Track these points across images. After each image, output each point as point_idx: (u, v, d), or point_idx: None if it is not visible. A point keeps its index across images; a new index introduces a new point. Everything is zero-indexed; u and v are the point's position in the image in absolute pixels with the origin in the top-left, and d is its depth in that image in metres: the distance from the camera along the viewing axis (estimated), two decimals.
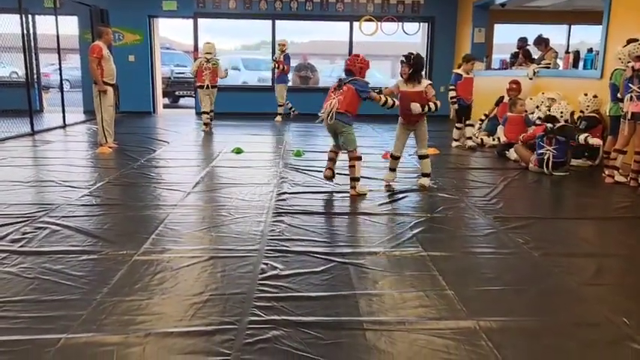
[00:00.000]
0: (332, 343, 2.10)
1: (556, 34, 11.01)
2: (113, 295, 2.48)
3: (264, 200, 4.31)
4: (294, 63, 11.11)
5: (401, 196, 4.57)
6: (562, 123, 5.68)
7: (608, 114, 5.60)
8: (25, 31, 8.17)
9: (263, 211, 3.97)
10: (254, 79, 14.07)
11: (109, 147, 6.72)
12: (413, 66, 4.56)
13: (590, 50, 6.98)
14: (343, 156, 4.74)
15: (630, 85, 4.91)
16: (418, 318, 2.33)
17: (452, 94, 7.35)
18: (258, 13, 11.24)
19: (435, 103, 4.61)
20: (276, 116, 10.47)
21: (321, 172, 4.97)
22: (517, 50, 9.30)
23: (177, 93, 14.46)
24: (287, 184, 4.90)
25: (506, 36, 11.41)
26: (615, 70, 5.35)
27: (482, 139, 7.57)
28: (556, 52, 8.28)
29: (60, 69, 9.35)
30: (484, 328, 2.23)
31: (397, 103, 4.71)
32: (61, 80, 9.47)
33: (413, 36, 11.55)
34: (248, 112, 11.18)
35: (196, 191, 4.63)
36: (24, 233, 3.35)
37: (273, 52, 11.63)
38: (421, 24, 11.64)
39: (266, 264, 2.91)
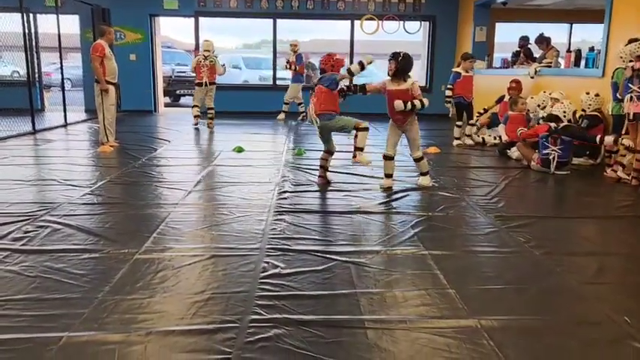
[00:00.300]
0: (333, 341, 2.10)
1: (557, 32, 10.99)
2: (115, 294, 2.48)
3: (266, 199, 4.31)
4: None
5: (402, 194, 4.57)
6: (566, 123, 5.68)
7: (610, 113, 5.59)
8: (26, 30, 8.17)
9: (264, 210, 3.97)
10: (255, 77, 14.07)
11: (111, 146, 6.73)
12: (399, 64, 4.56)
13: (591, 49, 6.97)
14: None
15: (630, 85, 4.90)
16: (419, 317, 2.33)
17: (448, 93, 7.35)
18: (260, 12, 11.23)
19: (421, 101, 4.55)
20: (280, 114, 10.41)
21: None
22: (518, 49, 9.29)
23: (178, 92, 14.47)
24: (288, 183, 4.90)
25: (507, 35, 11.39)
26: (617, 68, 5.35)
27: (483, 138, 7.57)
28: (557, 51, 8.26)
29: (61, 68, 9.36)
30: (485, 326, 2.23)
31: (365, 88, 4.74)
32: (63, 79, 9.48)
33: (414, 35, 11.54)
34: (249, 110, 11.18)
35: (197, 190, 4.63)
36: (25, 232, 3.36)
37: (275, 51, 11.64)
38: (422, 23, 11.62)
39: (267, 262, 2.91)
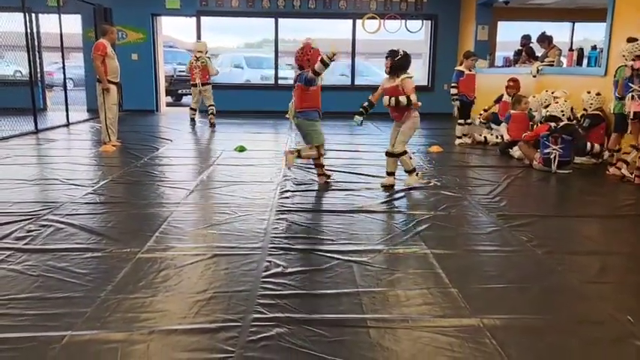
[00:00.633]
0: (335, 340, 2.10)
1: (560, 31, 10.98)
2: (117, 293, 2.49)
3: (268, 198, 4.31)
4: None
5: (404, 193, 4.57)
6: (565, 122, 5.67)
7: (612, 111, 5.58)
8: (28, 30, 8.18)
9: (266, 209, 3.98)
10: (257, 77, 14.07)
11: (113, 145, 6.74)
12: (393, 62, 4.56)
13: (594, 48, 6.95)
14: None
15: (630, 84, 4.90)
16: (422, 315, 2.33)
17: (453, 91, 7.35)
18: (261, 11, 11.23)
19: (408, 97, 4.49)
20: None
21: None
22: (520, 48, 9.27)
23: (180, 91, 14.48)
24: (290, 182, 4.90)
25: (509, 33, 11.37)
26: (619, 67, 5.33)
27: (485, 137, 7.57)
28: (560, 50, 8.24)
29: (63, 67, 9.38)
30: (488, 325, 2.23)
31: (328, 55, 4.42)
32: (65, 79, 9.50)
33: (416, 34, 11.53)
34: (251, 110, 11.18)
35: (199, 189, 4.63)
36: (28, 231, 3.37)
37: (276, 50, 11.63)
38: (424, 22, 11.61)
39: (269, 261, 2.91)
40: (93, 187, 4.63)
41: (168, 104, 13.09)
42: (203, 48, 8.97)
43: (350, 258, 2.99)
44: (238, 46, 19.67)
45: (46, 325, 2.18)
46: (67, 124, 9.02)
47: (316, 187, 4.74)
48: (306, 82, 4.54)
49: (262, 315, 2.29)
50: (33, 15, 10.48)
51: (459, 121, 7.53)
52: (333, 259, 2.96)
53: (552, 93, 6.89)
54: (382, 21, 11.13)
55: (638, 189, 4.87)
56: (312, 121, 4.72)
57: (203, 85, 8.95)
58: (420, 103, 4.57)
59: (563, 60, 8.04)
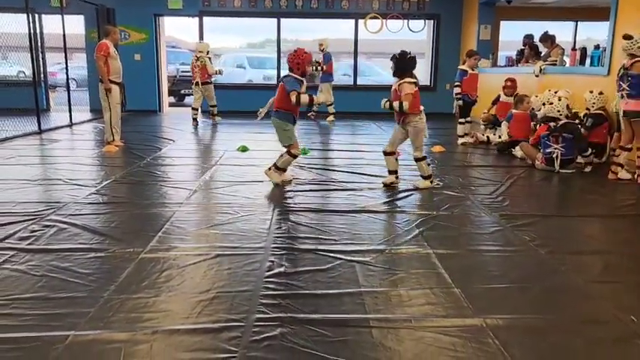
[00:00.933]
0: (338, 340, 2.10)
1: (562, 30, 10.96)
2: (120, 293, 2.49)
3: (270, 198, 4.32)
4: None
5: (406, 193, 4.57)
6: (564, 120, 5.66)
7: (615, 110, 5.57)
8: (31, 31, 8.20)
9: (269, 209, 3.98)
10: (259, 77, 14.08)
11: (116, 145, 6.76)
12: (395, 64, 4.58)
13: (597, 47, 6.93)
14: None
15: (621, 83, 4.90)
16: (424, 315, 2.33)
17: (457, 90, 7.34)
18: (264, 11, 11.24)
19: (400, 102, 4.47)
20: (328, 116, 10.09)
21: (326, 169, 4.98)
22: (523, 47, 9.26)
23: (182, 91, 14.49)
24: (292, 182, 4.90)
25: (512, 33, 11.36)
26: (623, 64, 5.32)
27: (488, 137, 7.56)
28: (562, 49, 8.23)
29: (66, 68, 9.40)
30: (490, 325, 2.23)
31: (314, 99, 4.74)
32: (68, 79, 9.53)
33: (418, 33, 11.52)
34: (253, 110, 11.13)
35: (202, 189, 4.64)
36: (32, 231, 3.38)
37: (279, 51, 11.63)
38: (427, 21, 11.60)
39: (272, 261, 2.91)
40: (96, 187, 4.64)
41: (171, 104, 13.10)
42: (204, 48, 9.05)
43: (352, 258, 2.99)
44: (241, 46, 19.67)
45: (50, 325, 2.18)
46: (70, 125, 9.03)
47: (318, 187, 4.74)
48: (288, 90, 4.58)
49: (265, 315, 2.29)
50: (36, 16, 10.51)
51: (460, 120, 7.52)
52: (335, 259, 2.97)
53: (555, 92, 6.87)
54: (384, 21, 11.13)
55: None
56: (285, 122, 4.76)
57: (203, 84, 9.04)
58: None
59: (566, 59, 8.03)
